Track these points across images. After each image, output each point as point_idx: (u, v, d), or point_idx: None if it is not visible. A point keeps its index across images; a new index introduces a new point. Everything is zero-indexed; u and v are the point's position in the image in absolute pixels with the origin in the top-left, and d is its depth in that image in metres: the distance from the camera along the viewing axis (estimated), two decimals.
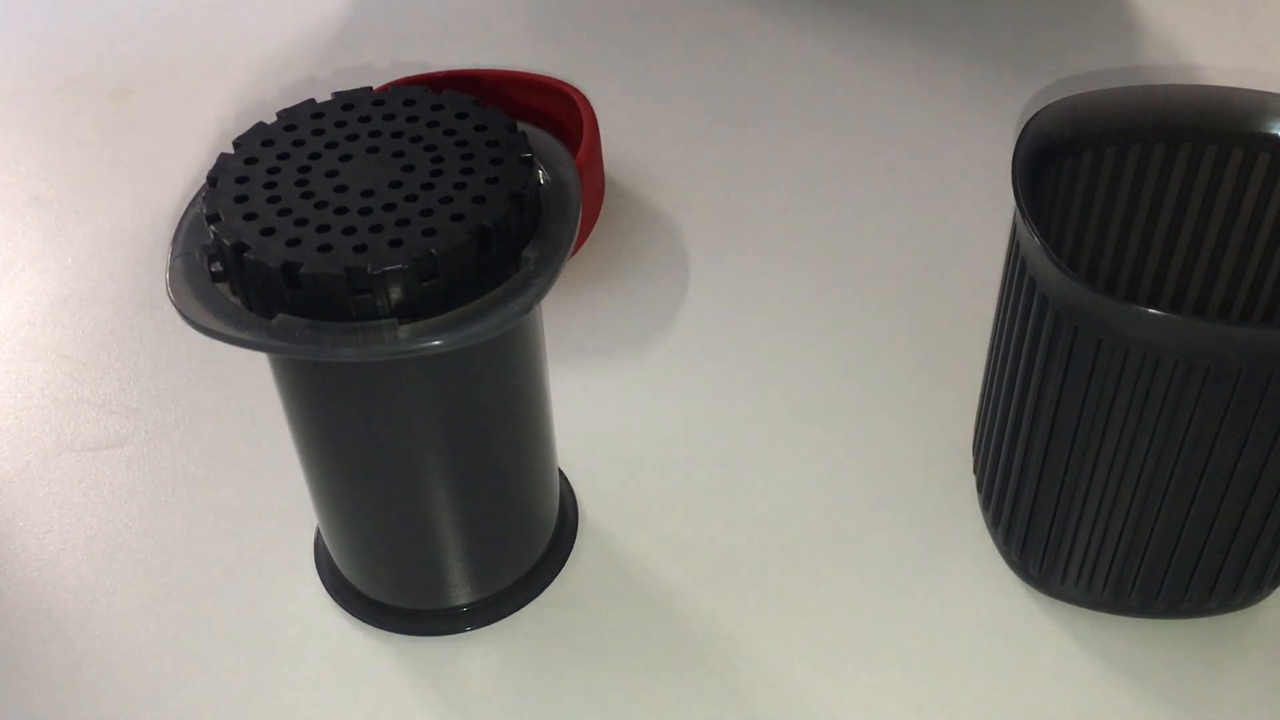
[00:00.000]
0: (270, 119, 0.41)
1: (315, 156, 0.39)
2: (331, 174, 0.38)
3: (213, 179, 0.38)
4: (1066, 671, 0.45)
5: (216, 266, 0.38)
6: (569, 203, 0.40)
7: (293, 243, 0.36)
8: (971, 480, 0.51)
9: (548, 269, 0.38)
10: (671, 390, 0.56)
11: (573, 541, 0.50)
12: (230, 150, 0.40)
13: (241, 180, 0.38)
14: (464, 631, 0.47)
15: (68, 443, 0.55)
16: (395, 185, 0.38)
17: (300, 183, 0.38)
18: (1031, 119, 0.44)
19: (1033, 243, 0.39)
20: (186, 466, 0.53)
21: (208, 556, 0.50)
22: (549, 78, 0.66)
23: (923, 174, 0.69)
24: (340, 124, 0.40)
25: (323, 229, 0.36)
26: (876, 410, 0.55)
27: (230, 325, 0.36)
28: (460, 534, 0.45)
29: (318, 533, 0.50)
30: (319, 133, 0.40)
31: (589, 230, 0.64)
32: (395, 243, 0.36)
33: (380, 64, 0.78)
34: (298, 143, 0.40)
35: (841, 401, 0.55)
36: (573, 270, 0.62)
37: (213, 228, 0.37)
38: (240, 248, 0.36)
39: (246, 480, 0.53)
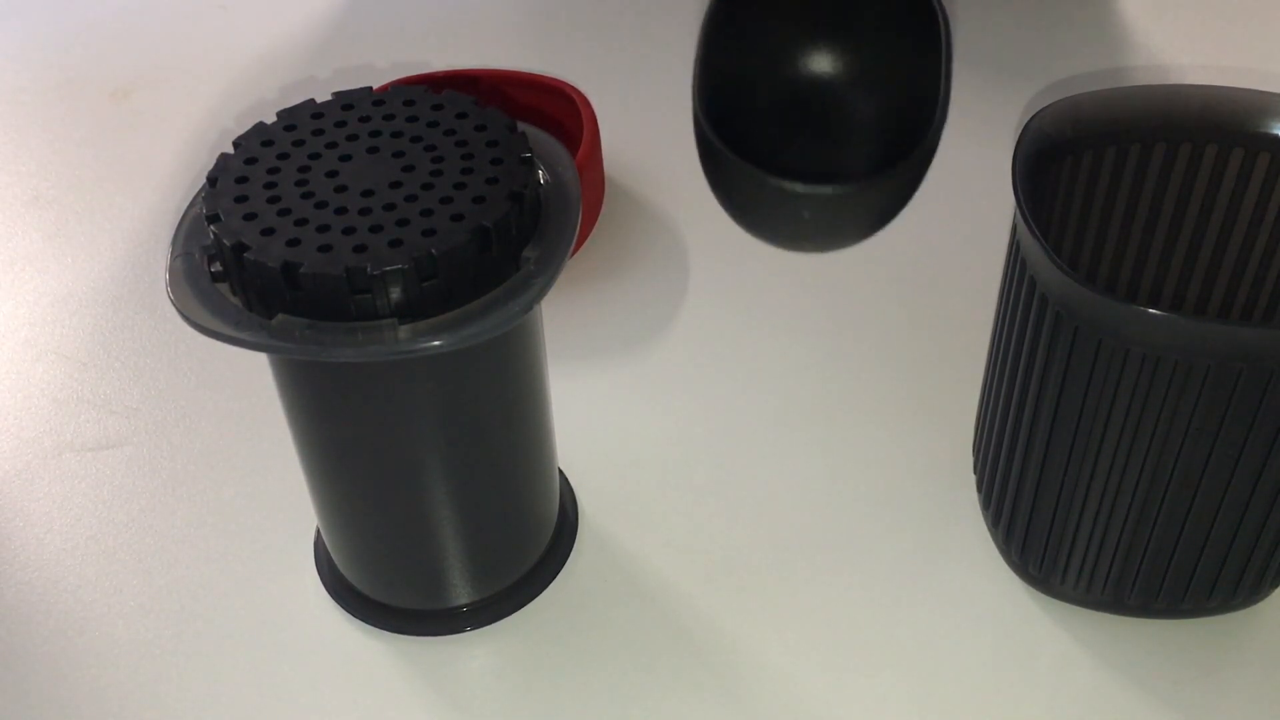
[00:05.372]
0: (270, 119, 0.41)
1: (315, 156, 0.39)
2: (331, 174, 0.38)
3: (213, 179, 0.38)
4: (1066, 671, 0.45)
5: (216, 266, 0.38)
6: (569, 203, 0.40)
7: (293, 243, 0.36)
8: (971, 480, 0.51)
9: (548, 269, 0.38)
10: (671, 390, 0.56)
11: (573, 541, 0.50)
12: (230, 150, 0.40)
13: (241, 180, 0.38)
14: (464, 631, 0.47)
15: (68, 443, 0.55)
16: (395, 185, 0.38)
17: (300, 183, 0.38)
18: (1032, 119, 0.44)
19: (1033, 243, 0.39)
20: (186, 466, 0.53)
21: (208, 556, 0.50)
22: (549, 78, 0.66)
23: None
24: (340, 124, 0.40)
25: (323, 229, 0.36)
26: (877, 410, 0.55)
27: (230, 325, 0.36)
28: (460, 534, 0.45)
29: (318, 533, 0.50)
30: (319, 133, 0.40)
31: (589, 230, 0.64)
32: (395, 243, 0.36)
33: (380, 64, 0.78)
34: (298, 143, 0.40)
35: (842, 402, 0.55)
36: (573, 270, 0.62)
37: (213, 228, 0.37)
38: (240, 248, 0.36)
39: (246, 480, 0.53)
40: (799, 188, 0.38)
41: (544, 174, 0.41)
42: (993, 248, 0.61)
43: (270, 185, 0.38)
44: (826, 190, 0.38)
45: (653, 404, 0.56)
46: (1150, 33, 0.79)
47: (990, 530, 0.49)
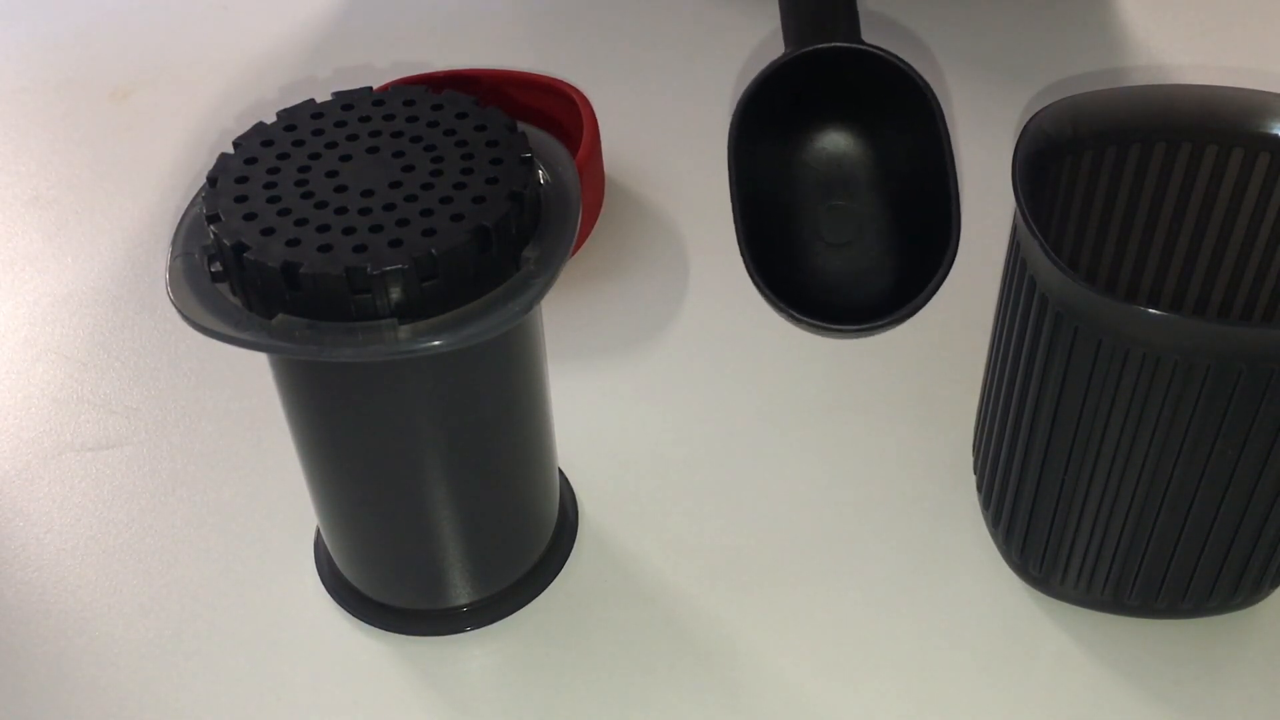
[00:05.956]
0: (270, 119, 0.41)
1: (315, 156, 0.39)
2: (331, 174, 0.38)
3: (213, 179, 0.38)
4: (1066, 671, 0.45)
5: (216, 266, 0.38)
6: (569, 203, 0.40)
7: (293, 243, 0.36)
8: (971, 480, 0.51)
9: (548, 269, 0.38)
10: (671, 390, 0.56)
11: (573, 541, 0.50)
12: (230, 150, 0.40)
13: (241, 180, 0.38)
14: (464, 631, 0.47)
15: (68, 443, 0.55)
16: (395, 185, 0.38)
17: (300, 183, 0.38)
18: (1032, 119, 0.44)
19: (1033, 243, 0.39)
20: (186, 466, 0.53)
21: (208, 556, 0.50)
22: (549, 78, 0.66)
23: None
24: (340, 124, 0.40)
25: (323, 229, 0.36)
26: (876, 410, 0.55)
27: (230, 325, 0.36)
28: (460, 534, 0.45)
29: (318, 533, 0.50)
30: (319, 133, 0.40)
31: (589, 230, 0.64)
32: (395, 243, 0.36)
33: (380, 64, 0.78)
34: (298, 143, 0.40)
35: (842, 401, 0.55)
36: (573, 270, 0.62)
37: (213, 228, 0.37)
38: (240, 248, 0.36)
39: (246, 480, 0.53)
40: (833, 329, 0.47)
41: (544, 174, 0.41)
42: (993, 248, 0.61)
43: (270, 185, 0.38)
44: (857, 328, 0.47)
45: (653, 404, 0.56)
46: (1150, 33, 0.79)
47: (990, 530, 0.49)
